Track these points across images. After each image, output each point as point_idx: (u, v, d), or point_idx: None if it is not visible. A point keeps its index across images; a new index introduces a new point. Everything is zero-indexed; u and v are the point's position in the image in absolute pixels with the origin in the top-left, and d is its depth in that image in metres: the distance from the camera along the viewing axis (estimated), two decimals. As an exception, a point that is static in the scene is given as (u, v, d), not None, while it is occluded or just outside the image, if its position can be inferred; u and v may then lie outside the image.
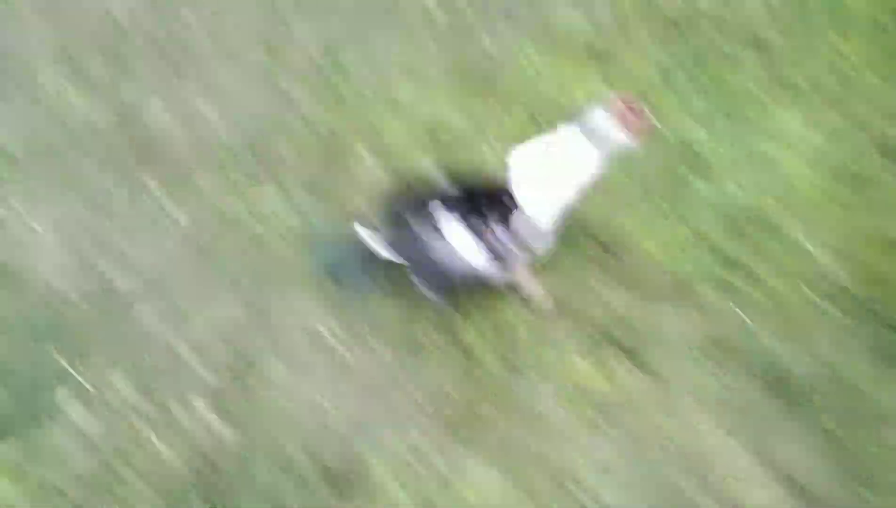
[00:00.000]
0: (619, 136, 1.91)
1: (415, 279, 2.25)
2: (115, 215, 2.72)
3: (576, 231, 2.38)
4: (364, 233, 2.26)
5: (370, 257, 2.22)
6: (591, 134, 1.89)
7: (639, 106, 1.90)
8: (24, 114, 3.15)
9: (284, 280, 2.47)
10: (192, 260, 2.58)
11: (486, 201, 2.08)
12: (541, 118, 2.78)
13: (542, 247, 2.27)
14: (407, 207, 2.22)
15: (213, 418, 2.21)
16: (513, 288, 2.35)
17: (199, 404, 2.23)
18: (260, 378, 2.28)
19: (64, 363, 2.34)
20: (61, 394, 2.27)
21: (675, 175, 2.61)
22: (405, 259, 2.24)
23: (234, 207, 2.71)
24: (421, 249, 2.19)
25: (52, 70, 3.16)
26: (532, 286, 2.46)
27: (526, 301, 2.34)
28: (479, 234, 2.16)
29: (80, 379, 2.30)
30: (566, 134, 1.94)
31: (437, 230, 2.17)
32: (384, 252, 2.24)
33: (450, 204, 2.16)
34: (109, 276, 2.65)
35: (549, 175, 1.99)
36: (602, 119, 1.88)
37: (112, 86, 3.20)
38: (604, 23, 3.09)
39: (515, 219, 2.05)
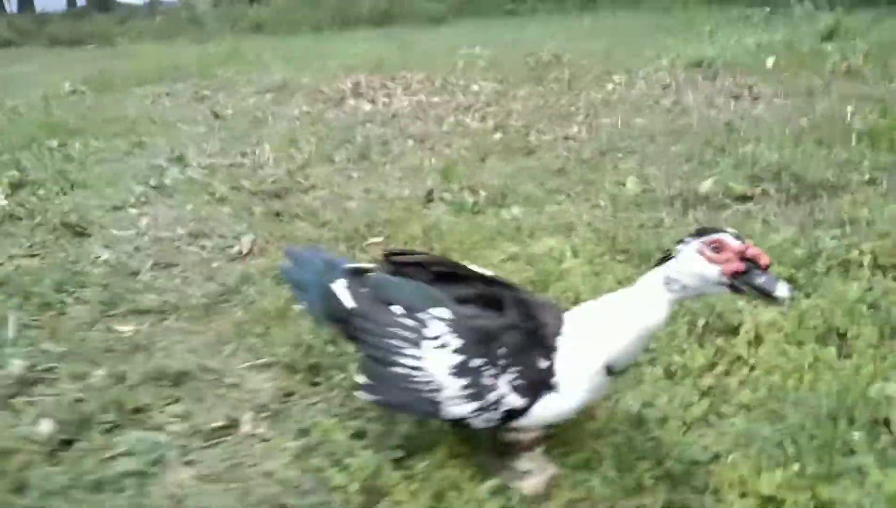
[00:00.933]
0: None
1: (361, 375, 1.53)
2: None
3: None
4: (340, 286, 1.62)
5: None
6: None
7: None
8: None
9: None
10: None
11: (518, 335, 1.46)
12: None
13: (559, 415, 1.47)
14: (398, 291, 1.53)
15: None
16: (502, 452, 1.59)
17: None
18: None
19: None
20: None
21: None
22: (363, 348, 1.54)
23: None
24: (385, 351, 1.48)
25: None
26: (531, 462, 1.56)
27: (509, 476, 1.55)
28: (477, 376, 1.43)
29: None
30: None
31: (417, 342, 1.46)
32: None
33: (458, 323, 1.45)
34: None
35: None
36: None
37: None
38: None
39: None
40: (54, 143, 4.89)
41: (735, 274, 1.28)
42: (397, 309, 1.49)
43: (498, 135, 4.51)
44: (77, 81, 7.92)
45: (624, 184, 3.35)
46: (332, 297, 1.57)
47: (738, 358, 1.89)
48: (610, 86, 6.09)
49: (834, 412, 1.61)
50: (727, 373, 1.85)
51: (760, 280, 1.27)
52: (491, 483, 1.50)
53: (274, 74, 7.79)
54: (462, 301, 1.51)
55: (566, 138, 4.38)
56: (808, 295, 2.15)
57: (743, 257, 1.27)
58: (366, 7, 15.58)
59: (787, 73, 5.89)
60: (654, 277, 1.37)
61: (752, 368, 1.84)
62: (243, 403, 1.85)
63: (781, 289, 1.25)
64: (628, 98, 5.56)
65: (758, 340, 1.94)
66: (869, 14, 8.53)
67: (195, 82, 7.71)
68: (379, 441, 1.64)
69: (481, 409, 1.43)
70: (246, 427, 1.76)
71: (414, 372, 1.44)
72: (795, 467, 1.45)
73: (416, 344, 1.45)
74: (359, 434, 1.68)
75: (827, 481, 1.43)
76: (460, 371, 1.42)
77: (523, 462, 1.55)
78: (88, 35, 14.58)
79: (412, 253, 1.68)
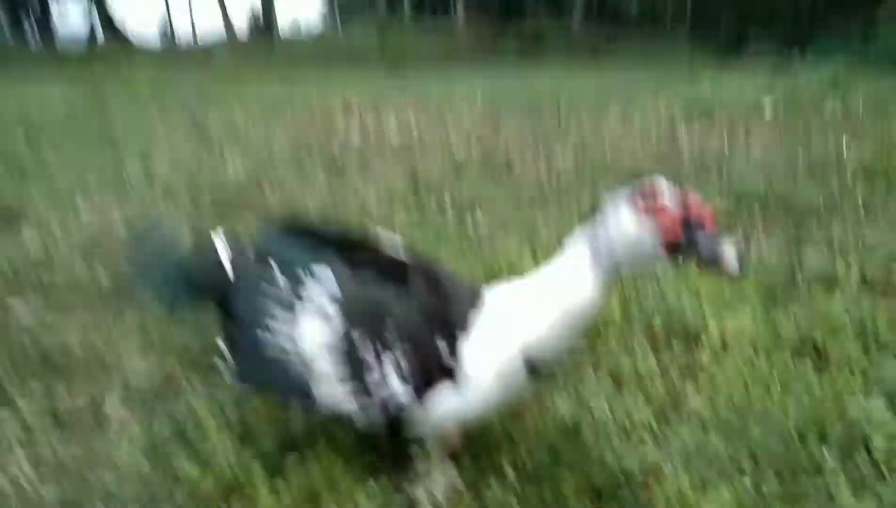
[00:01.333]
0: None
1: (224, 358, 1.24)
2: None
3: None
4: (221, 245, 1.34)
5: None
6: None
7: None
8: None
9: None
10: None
11: (432, 319, 1.18)
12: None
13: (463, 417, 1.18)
14: (273, 251, 1.27)
15: None
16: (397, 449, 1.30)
17: None
18: None
19: None
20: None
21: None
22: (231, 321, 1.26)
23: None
24: (252, 317, 1.21)
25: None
26: (431, 466, 1.27)
27: (404, 481, 1.28)
28: (357, 364, 1.15)
29: None
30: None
31: (291, 307, 1.20)
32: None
33: (343, 288, 1.19)
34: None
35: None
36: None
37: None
38: None
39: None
40: (20, 136, 4.74)
41: (674, 245, 1.02)
42: (273, 268, 1.23)
43: (479, 152, 4.32)
44: (70, 93, 7.87)
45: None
46: (196, 264, 1.32)
47: (698, 365, 1.62)
48: (604, 121, 5.94)
49: (803, 428, 1.34)
50: (682, 381, 1.56)
51: (704, 248, 1.01)
52: (375, 484, 1.23)
53: (269, 95, 7.73)
54: (359, 267, 1.25)
55: (549, 160, 4.19)
56: (785, 307, 1.88)
57: (684, 221, 1.02)
58: (376, 51, 15.78)
59: (786, 115, 5.74)
60: (578, 244, 1.11)
61: (713, 377, 1.57)
62: (115, 387, 1.58)
63: (729, 259, 1.00)
64: (621, 131, 5.39)
65: (723, 348, 1.67)
66: (870, 70, 8.48)
67: (189, 98, 7.63)
68: (255, 434, 1.37)
69: (359, 395, 1.15)
70: (109, 412, 1.49)
71: (282, 344, 1.18)
72: (748, 483, 1.17)
73: (289, 309, 1.19)
74: (234, 426, 1.41)
75: (786, 502, 1.14)
76: (337, 346, 1.16)
77: (423, 466, 1.27)
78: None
79: (310, 220, 1.44)
